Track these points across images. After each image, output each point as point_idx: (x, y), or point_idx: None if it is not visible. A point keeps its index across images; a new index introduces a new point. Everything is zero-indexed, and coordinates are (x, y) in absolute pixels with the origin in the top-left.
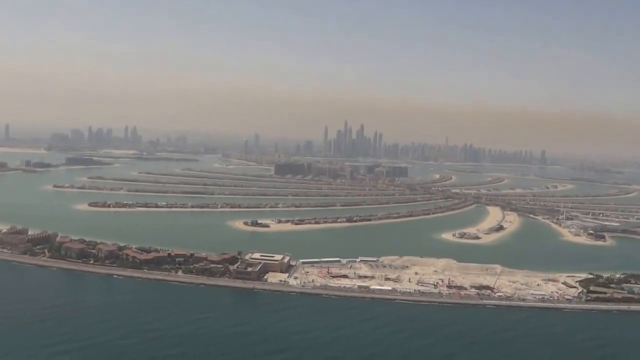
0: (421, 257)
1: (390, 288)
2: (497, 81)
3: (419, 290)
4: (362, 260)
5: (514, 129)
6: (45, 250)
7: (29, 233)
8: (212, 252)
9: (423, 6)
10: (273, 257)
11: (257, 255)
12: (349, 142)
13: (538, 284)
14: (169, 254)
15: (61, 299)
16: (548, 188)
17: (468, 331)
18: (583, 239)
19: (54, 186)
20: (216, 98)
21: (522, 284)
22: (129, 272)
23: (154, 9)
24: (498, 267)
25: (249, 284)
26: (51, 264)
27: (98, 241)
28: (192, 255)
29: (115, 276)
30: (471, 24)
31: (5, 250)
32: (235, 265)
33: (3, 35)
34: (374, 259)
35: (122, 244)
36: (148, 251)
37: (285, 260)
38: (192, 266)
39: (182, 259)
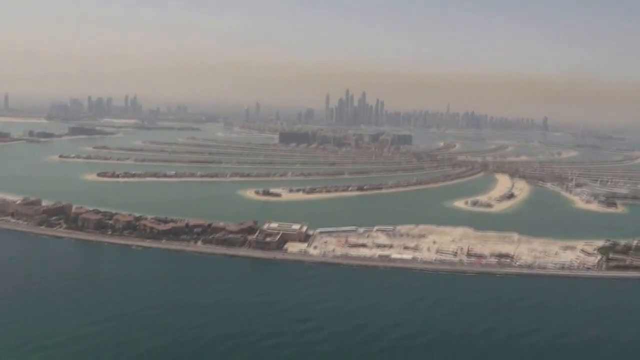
0: (437, 225)
1: (410, 257)
2: (498, 48)
3: (439, 259)
4: (378, 229)
5: (515, 96)
6: (61, 221)
7: (43, 204)
8: (227, 221)
9: None
10: (291, 226)
11: (274, 225)
12: (351, 110)
13: (556, 252)
14: (187, 224)
15: (82, 270)
16: (553, 155)
17: (491, 299)
18: (595, 206)
19: (60, 156)
20: (215, 66)
21: (541, 252)
22: (147, 243)
23: None
24: (515, 235)
25: (269, 254)
26: (68, 235)
27: (113, 212)
28: (209, 225)
29: (133, 247)
30: None
31: (21, 222)
32: (255, 235)
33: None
34: (391, 227)
35: (137, 215)
36: (165, 221)
37: (304, 229)
38: (210, 236)
39: (200, 229)
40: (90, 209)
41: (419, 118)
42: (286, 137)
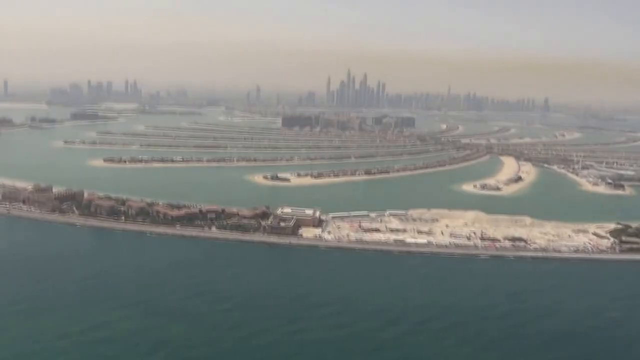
0: (449, 209)
1: (425, 241)
2: (498, 28)
3: (454, 243)
4: (391, 214)
5: (515, 76)
6: (74, 208)
7: (54, 191)
8: (238, 206)
9: None
10: (304, 211)
11: (287, 210)
12: (352, 93)
13: (569, 235)
14: (200, 210)
15: (99, 257)
16: (556, 137)
17: (508, 282)
18: (602, 189)
19: (65, 142)
20: (214, 50)
21: (553, 235)
22: (161, 229)
23: None
24: (527, 219)
25: (284, 239)
26: (82, 221)
27: (124, 197)
28: (223, 210)
29: (148, 233)
30: None
31: (33, 209)
32: (269, 221)
33: None
34: (403, 212)
35: (148, 201)
36: (178, 207)
37: (317, 214)
38: (225, 222)
39: (213, 215)
40: (102, 195)
41: (420, 100)
42: (289, 121)
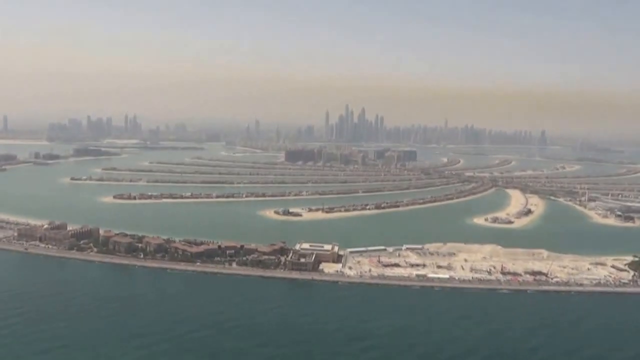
0: (465, 243)
1: (447, 276)
2: (493, 62)
3: (476, 278)
4: (408, 248)
5: (512, 109)
6: (91, 245)
7: (69, 228)
8: (252, 242)
9: None
10: (323, 247)
11: (306, 245)
12: (351, 126)
13: (588, 268)
14: (219, 246)
15: (122, 294)
16: (557, 169)
17: (533, 317)
18: (612, 221)
19: (71, 179)
20: (212, 84)
21: (573, 269)
22: (181, 266)
23: None
24: (544, 252)
25: (306, 275)
26: (101, 258)
27: (140, 234)
28: (242, 246)
29: (168, 270)
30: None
31: (50, 247)
32: (289, 257)
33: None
34: (419, 246)
35: (164, 237)
36: (197, 244)
37: (335, 250)
38: (245, 258)
39: (232, 251)
40: (117, 232)
41: (418, 133)
42: (292, 156)
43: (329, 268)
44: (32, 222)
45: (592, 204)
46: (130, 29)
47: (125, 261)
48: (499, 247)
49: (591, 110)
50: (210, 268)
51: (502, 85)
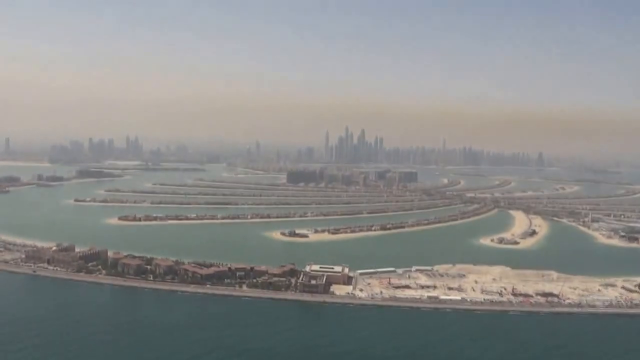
0: (474, 264)
1: (459, 298)
2: (488, 85)
3: (488, 299)
4: (417, 270)
5: (509, 130)
6: (99, 267)
7: (76, 250)
8: (259, 264)
9: (416, 14)
10: (333, 268)
11: (316, 267)
12: (351, 148)
13: (598, 289)
14: (229, 268)
15: (132, 317)
16: (557, 190)
17: (547, 339)
18: (617, 242)
19: (75, 200)
20: (213, 105)
21: (583, 290)
22: (192, 288)
23: (140, 15)
24: (553, 273)
25: (317, 297)
26: (110, 281)
27: (148, 256)
28: (252, 268)
29: (179, 292)
30: (459, 30)
31: (59, 269)
32: (300, 278)
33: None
34: (429, 268)
35: (172, 259)
36: (206, 265)
37: (346, 271)
38: (255, 280)
39: (242, 273)
40: (125, 254)
41: (417, 155)
42: (294, 177)
43: (340, 290)
44: (39, 244)
45: (596, 224)
46: (132, 51)
47: (135, 283)
48: (508, 268)
49: (587, 132)
50: (220, 290)
51: (499, 107)
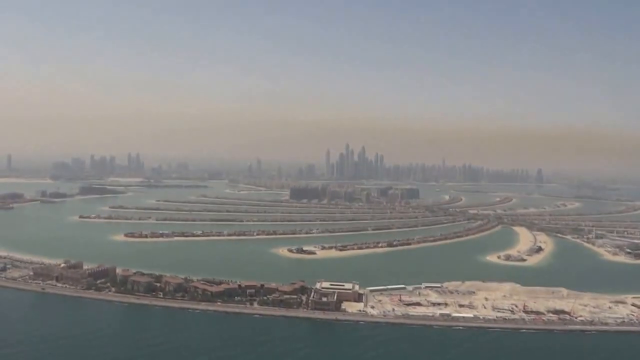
0: (483, 281)
1: (472, 315)
2: (489, 100)
3: (500, 317)
4: (427, 287)
5: (508, 147)
6: (109, 285)
7: (84, 267)
8: (270, 281)
9: (415, 34)
10: (343, 285)
11: (326, 284)
12: (352, 165)
13: (609, 307)
14: (239, 285)
15: (145, 335)
16: (558, 207)
17: (562, 357)
18: (623, 258)
19: (80, 217)
20: (213, 123)
21: (594, 307)
22: (203, 306)
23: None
24: (563, 290)
25: (329, 315)
26: (120, 298)
27: (157, 273)
28: (262, 286)
29: (190, 310)
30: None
31: (67, 286)
32: (312, 296)
33: None
34: (438, 285)
35: (181, 276)
36: (216, 283)
37: (356, 288)
38: (266, 297)
39: (252, 290)
40: (133, 271)
41: (417, 172)
42: (297, 193)
43: (351, 307)
44: (47, 261)
45: (600, 241)
46: (133, 69)
47: (145, 301)
48: (518, 285)
49: (586, 150)
50: (232, 308)
51: (498, 124)
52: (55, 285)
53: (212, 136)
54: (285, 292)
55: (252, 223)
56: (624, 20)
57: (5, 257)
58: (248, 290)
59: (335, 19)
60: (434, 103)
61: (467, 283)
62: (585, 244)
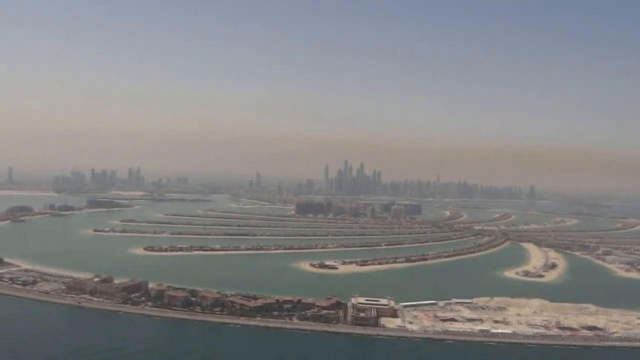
0: (512, 297)
1: (510, 331)
2: (482, 119)
3: (539, 333)
4: (457, 302)
5: (501, 165)
6: (143, 299)
7: (115, 281)
8: (298, 295)
9: (408, 52)
10: (379, 301)
11: (362, 299)
12: (350, 181)
13: (638, 323)
14: (277, 300)
15: (188, 350)
16: (558, 223)
17: None
18: (636, 274)
19: (94, 230)
20: (212, 138)
21: (625, 324)
22: (242, 321)
23: (141, 46)
24: (591, 306)
25: (370, 330)
26: (158, 313)
27: (189, 288)
28: (299, 301)
29: (230, 325)
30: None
31: (102, 300)
32: (351, 311)
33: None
34: (469, 300)
35: (213, 290)
36: (252, 298)
37: (392, 304)
38: (304, 312)
39: (289, 305)
40: (166, 285)
41: (413, 188)
42: (302, 208)
43: (389, 323)
44: (74, 274)
45: (609, 257)
46: (131, 83)
47: (184, 316)
48: (546, 301)
49: (577, 167)
50: (272, 323)
51: (491, 142)
52: (91, 300)
53: (210, 152)
54: (323, 307)
55: (265, 237)
56: (615, 38)
57: (30, 271)
58: (285, 305)
59: (332, 36)
60: (429, 121)
61: (496, 299)
62: (595, 261)
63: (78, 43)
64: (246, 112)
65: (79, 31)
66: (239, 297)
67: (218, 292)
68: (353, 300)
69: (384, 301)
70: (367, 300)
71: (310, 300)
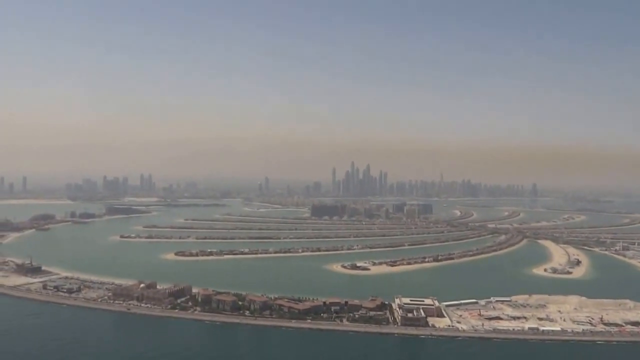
0: (549, 294)
1: (559, 328)
2: (485, 117)
3: (588, 330)
4: (497, 301)
5: (504, 163)
6: (190, 304)
7: (158, 287)
8: (335, 296)
9: (413, 51)
10: (423, 301)
11: (406, 300)
12: (357, 182)
13: None
14: (324, 302)
15: (241, 353)
16: (567, 220)
17: None
18: None
19: (121, 237)
20: (220, 144)
21: None
22: (294, 323)
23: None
24: (629, 302)
25: (422, 331)
26: (208, 317)
27: (233, 292)
28: (346, 302)
29: (282, 328)
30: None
31: (151, 306)
32: (400, 312)
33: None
34: (508, 298)
35: (257, 293)
36: (299, 300)
37: (436, 303)
38: (353, 314)
39: (337, 307)
40: (211, 289)
41: (418, 188)
42: (318, 211)
43: (437, 323)
44: (116, 281)
45: (629, 253)
46: (140, 92)
47: (234, 320)
48: (584, 298)
49: (578, 165)
50: (324, 325)
51: (494, 141)
52: (140, 305)
53: (217, 157)
54: (370, 309)
55: (290, 240)
56: (618, 35)
57: (72, 278)
58: (333, 307)
59: (337, 38)
60: (432, 121)
61: (535, 296)
62: (615, 256)
63: (87, 51)
64: (258, 118)
65: (81, 38)
66: (286, 300)
67: (263, 295)
68: (398, 301)
69: (428, 301)
70: (411, 300)
71: (356, 302)
